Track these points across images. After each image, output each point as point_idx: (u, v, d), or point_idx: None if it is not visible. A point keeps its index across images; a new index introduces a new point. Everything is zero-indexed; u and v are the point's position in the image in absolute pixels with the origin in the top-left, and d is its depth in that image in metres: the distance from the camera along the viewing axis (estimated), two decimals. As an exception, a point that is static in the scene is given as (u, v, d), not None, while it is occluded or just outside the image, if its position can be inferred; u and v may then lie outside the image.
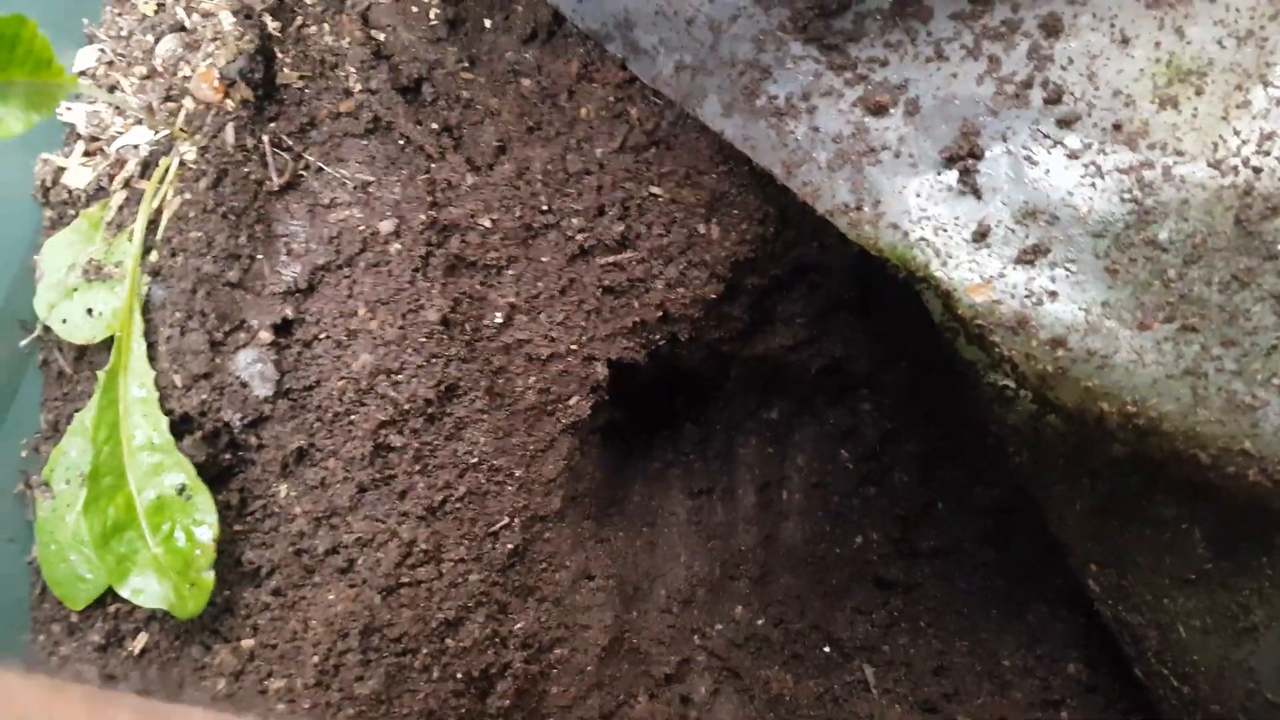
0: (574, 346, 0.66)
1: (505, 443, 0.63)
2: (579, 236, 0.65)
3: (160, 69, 0.58)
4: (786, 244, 0.68)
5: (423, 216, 0.61)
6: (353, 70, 0.62)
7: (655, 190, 0.65)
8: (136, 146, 0.56)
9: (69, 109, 0.58)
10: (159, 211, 0.55)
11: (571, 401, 0.67)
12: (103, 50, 0.59)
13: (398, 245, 0.60)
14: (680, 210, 0.66)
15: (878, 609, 0.81)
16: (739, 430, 0.90)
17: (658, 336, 0.70)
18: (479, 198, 0.64)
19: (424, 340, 0.59)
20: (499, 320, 0.64)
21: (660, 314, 0.68)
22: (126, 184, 0.56)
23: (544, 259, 0.65)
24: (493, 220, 0.64)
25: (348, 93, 0.62)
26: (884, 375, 0.79)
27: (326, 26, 0.62)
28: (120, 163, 0.56)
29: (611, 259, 0.66)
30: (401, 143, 0.62)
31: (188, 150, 0.56)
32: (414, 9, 0.64)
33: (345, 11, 0.63)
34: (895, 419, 0.82)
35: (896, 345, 0.76)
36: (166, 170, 0.55)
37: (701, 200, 0.65)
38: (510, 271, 0.65)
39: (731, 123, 0.57)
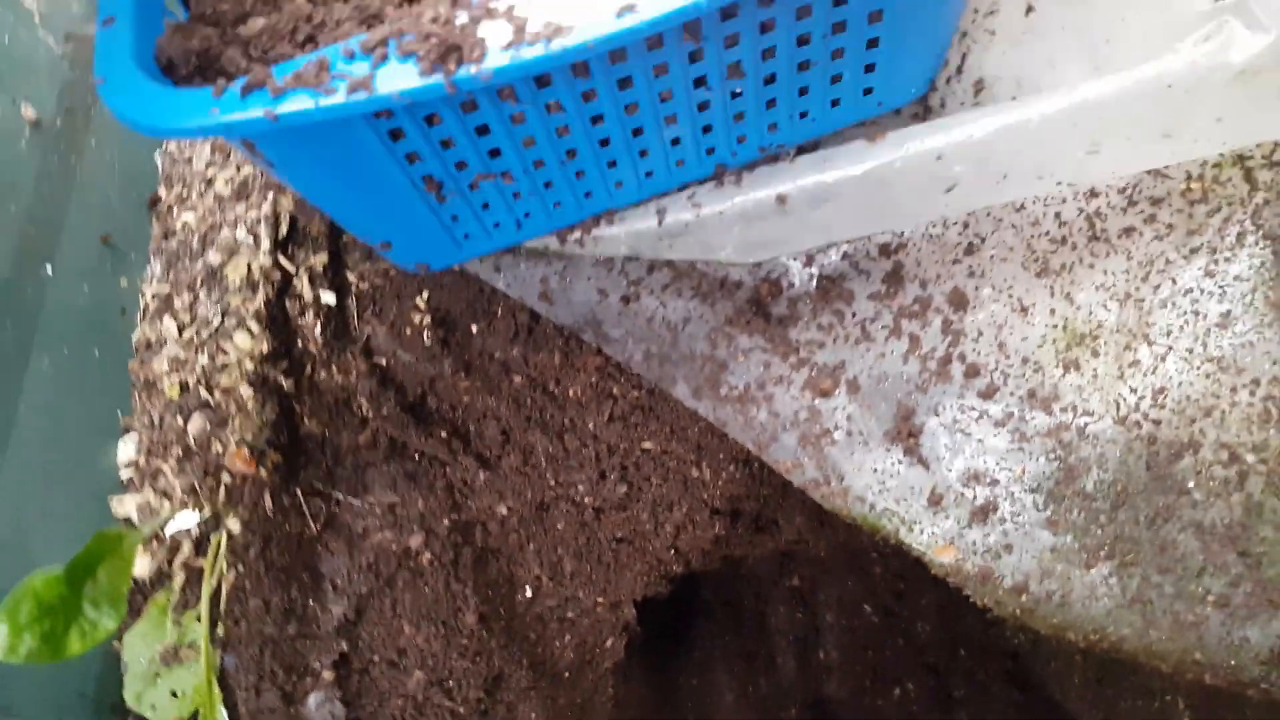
0: (600, 599, 0.74)
1: (554, 707, 0.71)
2: (587, 501, 0.74)
3: (194, 447, 0.67)
4: (770, 470, 0.76)
5: (446, 521, 0.69)
6: (364, 400, 0.71)
7: (647, 445, 0.74)
8: (188, 529, 0.65)
9: (120, 502, 0.67)
10: (218, 586, 0.63)
11: (607, 645, 0.75)
12: (139, 439, 0.68)
13: (428, 555, 0.68)
14: (672, 460, 0.74)
15: (925, 758, 0.88)
16: (767, 601, 0.97)
17: (675, 568, 0.78)
18: (493, 489, 0.72)
19: (466, 643, 0.67)
20: (529, 595, 0.72)
21: (673, 551, 0.76)
22: (185, 565, 0.65)
23: (559, 527, 0.74)
24: (508, 507, 0.72)
25: (364, 422, 0.71)
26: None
27: (335, 368, 0.71)
28: (175, 546, 0.65)
29: (620, 515, 0.74)
30: (416, 457, 0.71)
31: (233, 523, 0.64)
32: (408, 331, 0.73)
33: (348, 349, 0.72)
34: (905, 578, 0.89)
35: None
36: (218, 546, 0.64)
37: (689, 449, 0.73)
38: (531, 547, 0.73)
39: (702, 405, 0.65)
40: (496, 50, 0.43)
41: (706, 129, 0.56)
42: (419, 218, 0.58)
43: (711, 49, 0.50)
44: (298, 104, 0.44)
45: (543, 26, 0.43)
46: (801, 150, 0.59)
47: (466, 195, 0.57)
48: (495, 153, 0.54)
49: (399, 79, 0.44)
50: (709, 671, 0.94)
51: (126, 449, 0.68)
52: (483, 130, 0.51)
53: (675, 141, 0.56)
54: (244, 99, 0.45)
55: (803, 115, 0.57)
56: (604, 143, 0.55)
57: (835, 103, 0.57)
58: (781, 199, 0.55)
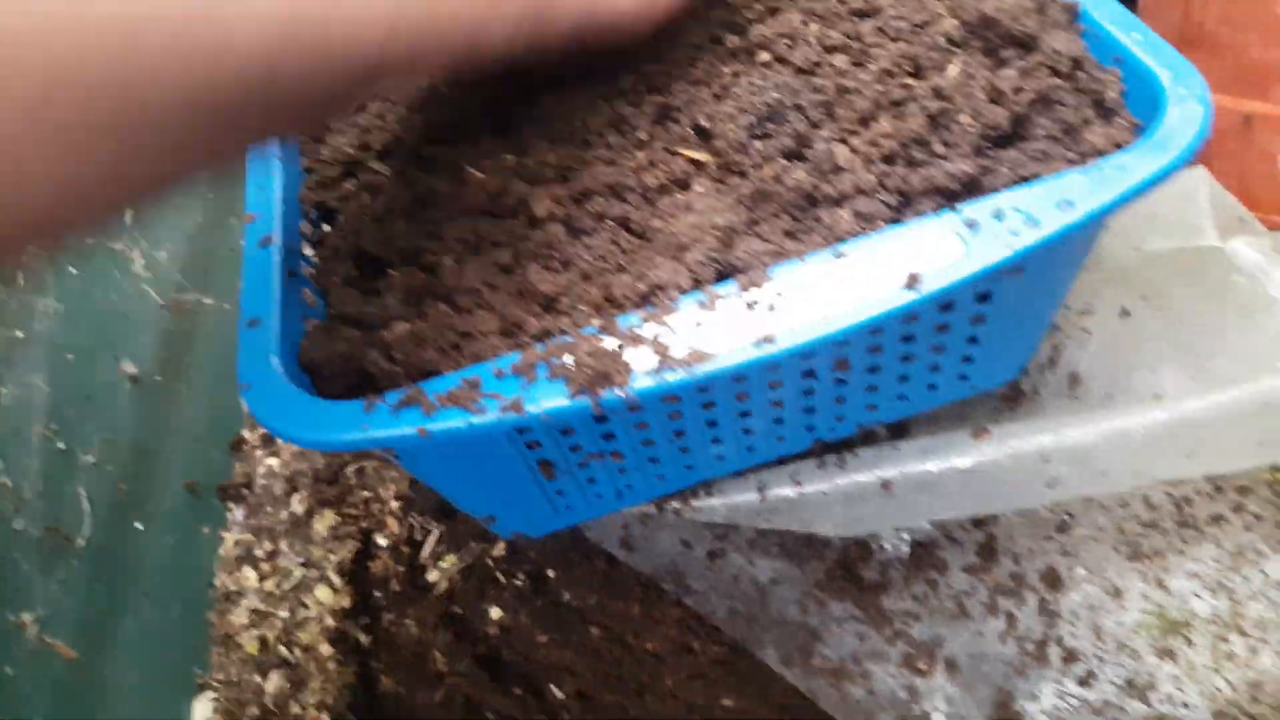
0: None
1: None
2: (663, 762, 0.76)
3: (273, 707, 0.69)
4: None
5: (521, 787, 0.71)
6: (439, 654, 0.74)
7: (728, 703, 0.76)
8: (269, 800, 0.67)
9: (201, 767, 0.69)
10: None
11: None
12: (217, 698, 0.70)
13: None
14: None
15: None
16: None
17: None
18: (568, 752, 0.74)
19: None
20: None
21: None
22: (267, 838, 0.66)
23: (636, 792, 0.75)
24: (583, 769, 0.74)
25: (439, 677, 0.73)
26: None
27: (411, 619, 0.74)
28: (256, 817, 0.67)
29: (695, 776, 0.76)
30: (490, 717, 0.73)
31: (315, 794, 0.66)
32: (485, 579, 0.77)
33: (425, 598, 0.75)
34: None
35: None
36: (300, 819, 0.65)
37: (773, 709, 0.76)
38: (607, 813, 0.74)
39: (792, 673, 0.68)
40: (642, 376, 0.48)
41: (809, 410, 0.61)
42: (528, 495, 0.62)
43: (824, 353, 0.55)
44: (449, 422, 0.48)
45: (686, 354, 0.48)
46: (894, 429, 0.64)
47: (575, 473, 0.61)
48: (609, 435, 0.58)
49: (548, 401, 0.48)
50: None
51: (203, 708, 0.70)
52: (602, 418, 0.56)
53: (779, 421, 0.61)
54: (395, 415, 0.48)
55: (900, 398, 0.62)
56: (711, 424, 0.60)
57: (932, 387, 0.62)
58: (886, 484, 0.60)
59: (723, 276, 0.52)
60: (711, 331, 0.49)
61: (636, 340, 0.49)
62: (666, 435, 0.60)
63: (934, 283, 0.48)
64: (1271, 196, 0.64)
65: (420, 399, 0.49)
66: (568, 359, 0.49)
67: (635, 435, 0.59)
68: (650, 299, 0.51)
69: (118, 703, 0.65)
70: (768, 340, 0.48)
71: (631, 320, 0.49)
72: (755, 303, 0.49)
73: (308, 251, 0.57)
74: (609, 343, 0.49)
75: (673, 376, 0.48)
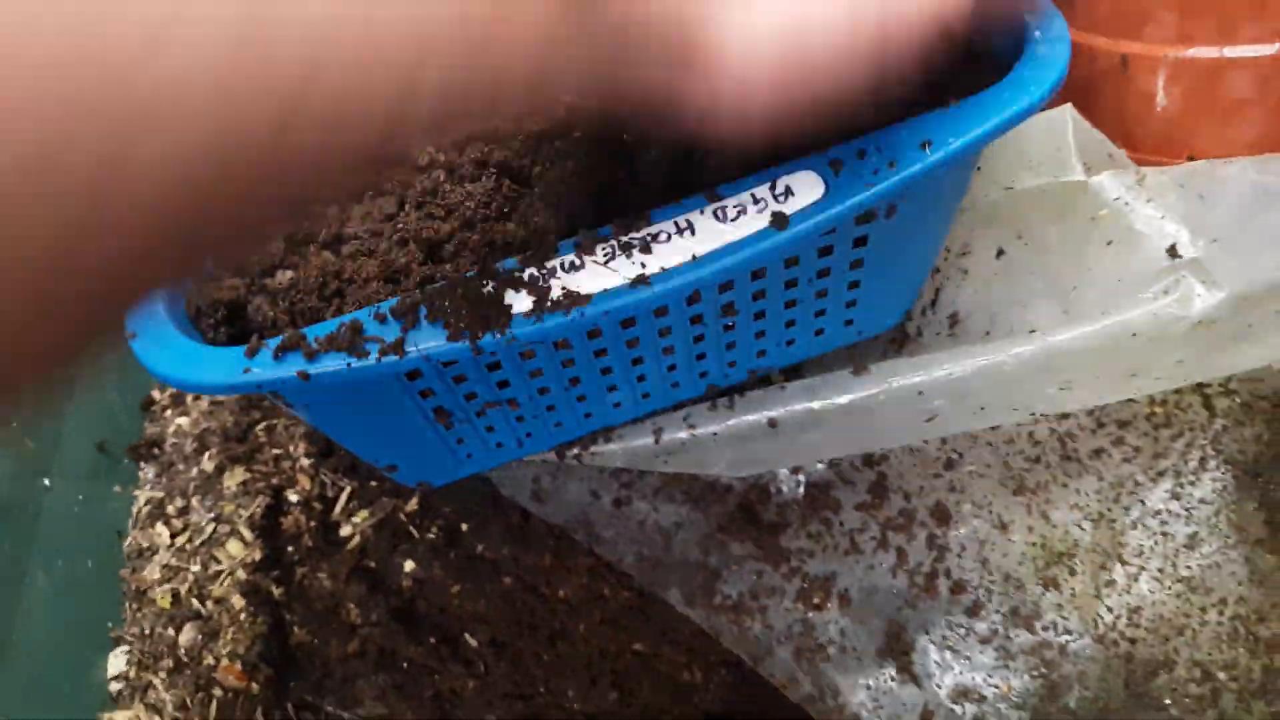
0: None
1: None
2: (578, 708, 0.77)
3: (186, 659, 0.70)
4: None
5: (436, 737, 0.73)
6: (352, 606, 0.75)
7: (638, 647, 0.78)
8: (181, 749, 0.68)
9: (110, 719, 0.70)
10: (212, 811, 0.66)
11: None
12: (130, 651, 0.71)
13: (419, 772, 0.72)
14: (663, 663, 0.78)
15: None
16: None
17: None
18: (482, 698, 0.76)
19: None
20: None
21: (666, 760, 0.80)
22: (178, 787, 0.67)
23: (547, 741, 0.77)
24: (497, 716, 0.76)
25: (352, 630, 0.75)
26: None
27: (324, 572, 0.76)
28: (167, 766, 0.68)
29: (611, 720, 0.78)
30: (405, 665, 0.75)
31: (228, 742, 0.67)
32: (398, 533, 0.78)
33: (338, 552, 0.77)
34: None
35: None
36: (212, 768, 0.67)
37: (680, 651, 0.78)
38: (522, 757, 0.76)
39: (695, 613, 0.70)
40: (521, 318, 0.49)
41: (700, 356, 0.63)
42: (426, 443, 0.63)
43: (709, 296, 0.57)
44: (331, 365, 0.49)
45: (562, 295, 0.50)
46: (787, 373, 0.66)
47: (473, 422, 0.63)
48: (503, 384, 0.60)
49: (428, 343, 0.49)
50: None
51: (117, 662, 0.71)
52: (494, 366, 0.58)
53: (671, 368, 0.63)
54: (277, 359, 0.49)
55: (789, 343, 0.64)
56: (605, 371, 0.61)
57: (819, 332, 0.64)
58: (773, 423, 0.62)
59: (603, 222, 0.53)
60: (588, 274, 0.50)
61: (515, 283, 0.50)
62: (561, 383, 0.61)
63: (799, 223, 0.49)
64: (1149, 136, 0.66)
65: (301, 343, 0.50)
66: (447, 302, 0.50)
67: (530, 383, 0.60)
68: (530, 244, 0.53)
69: (30, 657, 0.65)
70: (642, 281, 0.50)
71: (510, 264, 0.50)
72: (631, 245, 0.51)
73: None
74: (488, 286, 0.50)
75: (552, 320, 0.50)
